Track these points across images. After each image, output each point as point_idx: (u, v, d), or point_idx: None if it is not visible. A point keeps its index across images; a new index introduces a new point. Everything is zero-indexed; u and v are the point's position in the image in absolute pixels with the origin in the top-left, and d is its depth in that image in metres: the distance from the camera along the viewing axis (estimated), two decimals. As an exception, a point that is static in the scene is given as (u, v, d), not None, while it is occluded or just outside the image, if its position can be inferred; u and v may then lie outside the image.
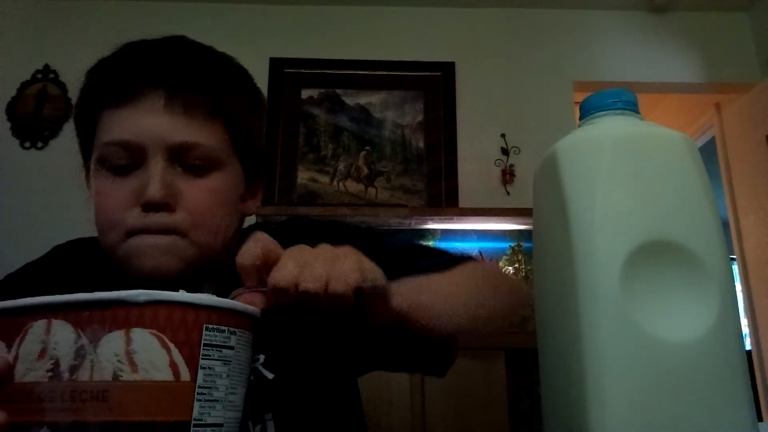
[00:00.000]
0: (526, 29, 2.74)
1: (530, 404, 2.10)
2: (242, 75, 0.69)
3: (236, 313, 0.42)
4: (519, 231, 2.39)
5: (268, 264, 0.46)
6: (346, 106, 2.63)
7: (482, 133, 2.57)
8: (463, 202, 2.46)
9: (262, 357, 0.63)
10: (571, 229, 0.42)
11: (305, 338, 0.64)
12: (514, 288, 0.68)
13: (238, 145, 0.66)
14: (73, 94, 2.57)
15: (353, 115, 2.62)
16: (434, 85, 2.64)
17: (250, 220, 0.75)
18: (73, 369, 0.36)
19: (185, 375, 0.37)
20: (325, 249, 0.48)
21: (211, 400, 0.39)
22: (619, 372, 0.38)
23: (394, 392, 1.66)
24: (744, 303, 2.76)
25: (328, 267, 0.46)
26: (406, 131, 2.60)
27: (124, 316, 0.37)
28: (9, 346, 0.37)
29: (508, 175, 2.49)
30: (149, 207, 0.59)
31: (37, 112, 2.53)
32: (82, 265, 0.70)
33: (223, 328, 0.40)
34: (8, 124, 2.52)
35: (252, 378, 0.61)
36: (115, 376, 0.36)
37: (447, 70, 2.64)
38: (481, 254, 2.36)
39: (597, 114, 0.47)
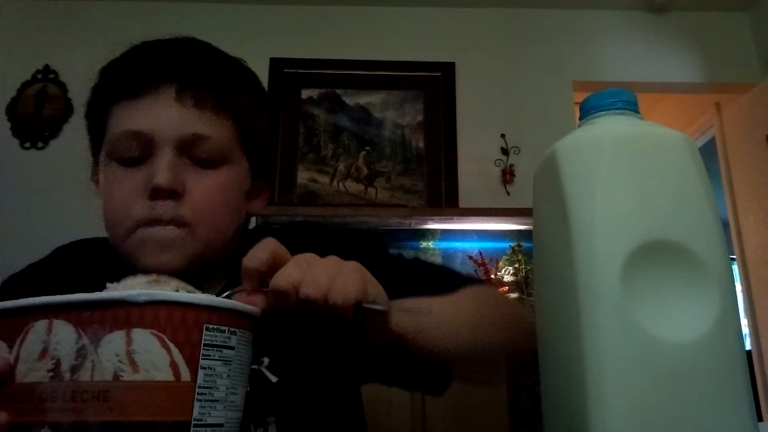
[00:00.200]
0: (526, 29, 2.74)
1: (530, 404, 2.10)
2: (250, 76, 0.71)
3: (236, 313, 0.42)
4: (519, 231, 2.39)
5: (273, 270, 0.47)
6: (346, 106, 2.63)
7: (482, 133, 2.57)
8: (463, 202, 2.46)
9: (266, 360, 0.63)
10: (571, 229, 0.42)
11: (310, 343, 0.64)
12: (519, 317, 0.66)
13: (245, 142, 0.67)
14: (74, 94, 2.59)
15: (353, 115, 2.62)
16: (434, 85, 2.64)
17: (252, 223, 0.75)
18: (74, 369, 0.36)
19: (186, 375, 0.37)
20: (331, 260, 0.48)
21: (211, 400, 0.39)
22: (619, 372, 0.38)
23: (394, 392, 1.66)
24: (744, 303, 2.76)
25: (331, 277, 0.46)
26: (406, 131, 2.61)
27: (125, 316, 0.37)
28: (10, 347, 0.37)
29: (508, 175, 2.49)
30: (156, 194, 0.59)
31: (37, 112, 2.53)
32: (85, 265, 0.70)
33: (223, 328, 0.40)
34: (8, 124, 2.52)
35: (256, 380, 0.61)
36: (116, 376, 0.36)
37: (447, 70, 2.64)
38: (481, 254, 2.36)
39: (597, 114, 0.47)
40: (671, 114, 3.41)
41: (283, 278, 0.45)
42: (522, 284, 2.30)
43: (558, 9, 2.74)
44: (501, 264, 2.36)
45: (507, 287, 2.28)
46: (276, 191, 2.45)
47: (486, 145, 2.56)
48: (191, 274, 0.62)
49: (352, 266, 0.48)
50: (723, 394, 0.39)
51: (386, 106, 2.63)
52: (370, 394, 0.76)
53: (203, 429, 0.38)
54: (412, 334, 0.52)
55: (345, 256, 0.50)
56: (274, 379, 0.62)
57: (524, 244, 2.36)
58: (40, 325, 0.37)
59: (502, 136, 2.56)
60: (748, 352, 2.77)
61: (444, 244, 2.47)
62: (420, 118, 2.61)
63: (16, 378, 0.37)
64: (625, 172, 0.43)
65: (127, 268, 0.63)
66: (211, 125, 0.63)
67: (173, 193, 0.60)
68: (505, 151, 2.55)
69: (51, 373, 0.36)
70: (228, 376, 0.40)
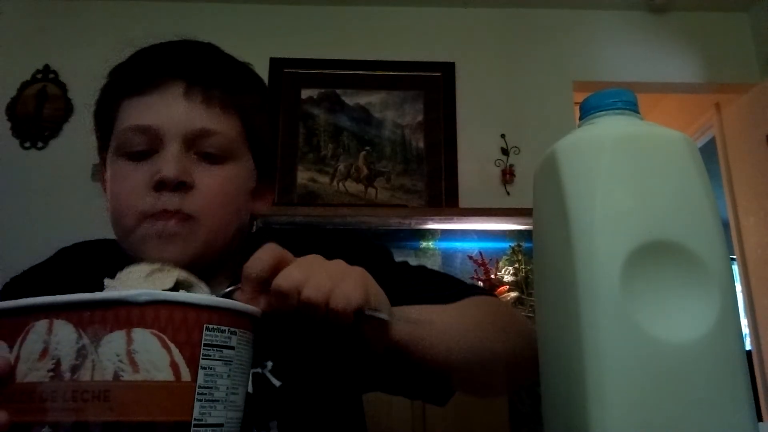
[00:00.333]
0: (526, 29, 2.74)
1: (530, 404, 2.10)
2: (257, 78, 0.72)
3: (236, 313, 0.42)
4: (519, 231, 2.39)
5: (276, 273, 0.46)
6: (346, 106, 2.63)
7: (482, 133, 2.57)
8: (463, 202, 2.46)
9: (270, 363, 0.63)
10: (571, 229, 0.42)
11: (313, 348, 0.64)
12: (523, 329, 0.65)
13: (251, 141, 0.68)
14: (74, 94, 2.59)
15: (353, 115, 2.62)
16: (434, 85, 2.64)
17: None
18: (75, 369, 0.36)
19: (186, 375, 0.37)
20: (336, 264, 0.48)
21: (211, 400, 0.39)
22: (619, 372, 0.38)
23: (394, 392, 1.66)
24: (744, 303, 2.76)
25: (334, 282, 0.46)
26: (406, 131, 2.61)
27: (125, 316, 0.37)
28: (10, 346, 0.37)
29: (508, 175, 2.49)
30: (161, 186, 0.60)
31: (37, 113, 2.53)
32: (88, 267, 0.70)
33: (223, 328, 0.40)
34: (8, 124, 2.52)
35: (259, 384, 0.61)
36: (117, 376, 0.36)
37: (447, 70, 2.65)
38: (481, 254, 2.36)
39: (597, 114, 0.47)
40: (671, 114, 3.41)
41: (285, 279, 0.45)
42: (522, 284, 2.30)
43: (558, 9, 2.74)
44: (501, 264, 2.36)
45: (507, 287, 2.28)
46: (276, 191, 2.45)
47: (486, 145, 2.56)
48: (195, 271, 0.61)
49: (357, 272, 0.48)
50: (723, 394, 0.39)
51: (386, 106, 2.63)
52: (371, 395, 0.75)
53: (203, 429, 0.38)
54: (412, 343, 0.52)
55: (350, 261, 0.49)
56: (277, 383, 0.62)
57: (524, 244, 2.36)
58: (41, 325, 0.37)
59: (502, 136, 2.56)
60: (748, 352, 2.77)
61: (444, 244, 2.47)
62: (420, 118, 2.62)
63: (16, 378, 0.37)
64: (625, 172, 0.43)
65: (127, 263, 0.62)
66: (218, 121, 0.64)
67: (180, 186, 0.60)
68: (505, 151, 2.55)
69: (51, 373, 0.36)
70: (228, 376, 0.40)
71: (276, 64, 2.59)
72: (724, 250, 0.41)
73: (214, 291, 0.65)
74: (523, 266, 2.32)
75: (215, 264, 0.65)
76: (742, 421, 0.38)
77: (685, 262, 0.40)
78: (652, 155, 0.43)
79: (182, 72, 0.64)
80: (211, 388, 0.39)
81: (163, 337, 0.37)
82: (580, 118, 0.49)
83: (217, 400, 0.39)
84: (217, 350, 0.39)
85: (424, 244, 2.47)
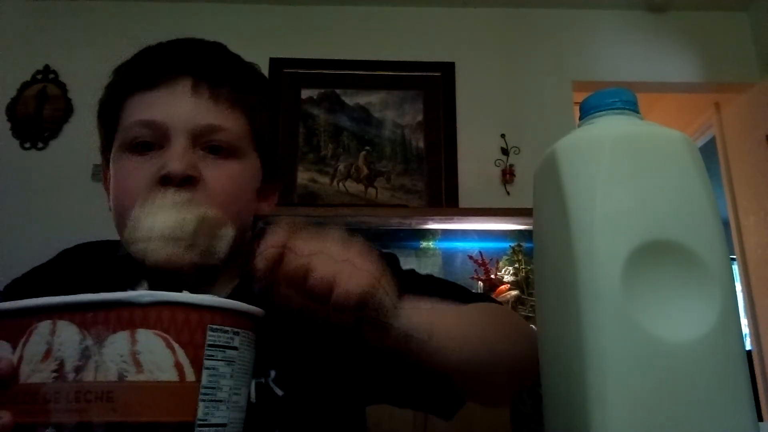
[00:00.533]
0: (526, 29, 2.74)
1: (531, 405, 2.10)
2: (263, 78, 0.73)
3: (239, 313, 0.42)
4: (519, 231, 2.39)
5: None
6: (346, 106, 2.63)
7: (482, 133, 2.57)
8: (463, 202, 2.46)
9: (273, 373, 0.62)
10: (571, 229, 0.42)
11: (318, 354, 0.63)
12: (529, 338, 0.62)
13: (257, 139, 0.67)
14: (74, 94, 2.59)
15: (353, 114, 2.62)
16: (434, 85, 2.64)
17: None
18: (78, 370, 0.36)
19: (190, 375, 0.38)
20: (345, 250, 0.47)
21: (215, 401, 0.39)
22: (620, 372, 0.39)
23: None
24: (744, 303, 2.76)
25: (339, 272, 0.45)
26: (405, 131, 2.61)
27: (129, 316, 0.37)
28: (14, 347, 0.37)
29: (508, 175, 2.49)
30: (168, 180, 0.59)
31: (37, 113, 2.53)
32: (90, 269, 0.70)
33: (226, 328, 0.40)
34: (8, 125, 2.52)
35: (262, 393, 0.60)
36: (120, 377, 0.36)
37: (446, 70, 2.65)
38: (481, 254, 2.36)
39: (596, 114, 0.47)
40: (670, 114, 3.41)
41: (290, 263, 0.45)
42: (522, 284, 2.29)
43: (557, 9, 2.74)
44: (501, 264, 2.36)
45: (507, 286, 2.28)
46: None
47: (486, 145, 2.56)
48: (202, 269, 0.61)
49: (373, 257, 0.47)
50: (723, 394, 0.39)
51: (386, 105, 2.63)
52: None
53: (207, 429, 0.38)
54: (415, 344, 0.51)
55: None
56: (280, 392, 0.61)
57: (524, 244, 2.36)
58: (44, 326, 0.37)
59: (502, 136, 2.56)
60: (748, 352, 2.77)
61: (444, 244, 2.47)
62: (420, 117, 2.62)
63: (20, 378, 0.37)
64: (625, 172, 0.43)
65: (133, 268, 0.62)
66: (225, 118, 0.63)
67: (187, 180, 0.59)
68: (505, 151, 2.55)
69: (55, 374, 0.36)
70: (231, 376, 0.40)
71: (276, 64, 2.59)
72: (724, 249, 0.41)
73: (217, 293, 0.65)
74: (523, 266, 2.32)
75: (218, 265, 0.64)
76: (742, 420, 0.38)
77: (685, 262, 0.40)
78: (652, 155, 0.43)
79: (190, 68, 0.63)
80: (214, 388, 0.39)
81: (167, 337, 0.37)
82: (580, 118, 0.49)
83: (221, 401, 0.39)
84: (220, 351, 0.39)
85: (424, 244, 2.47)
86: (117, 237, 0.68)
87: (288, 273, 0.45)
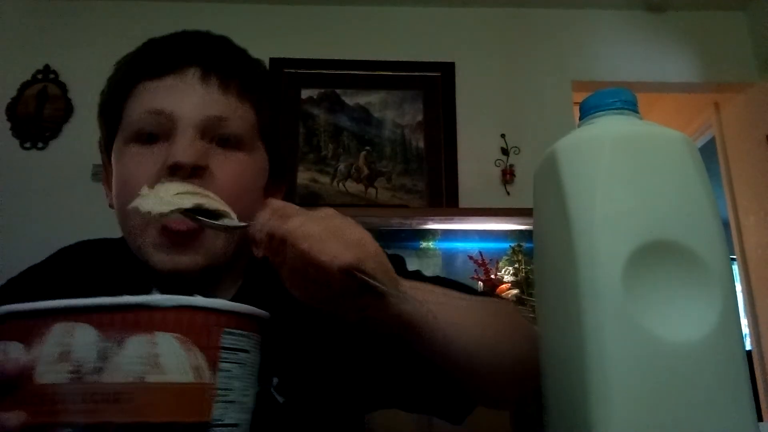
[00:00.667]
0: (526, 29, 2.74)
1: (533, 405, 2.09)
2: (269, 74, 0.73)
3: (251, 318, 0.43)
4: (519, 231, 2.38)
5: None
6: (346, 106, 2.63)
7: (482, 133, 2.57)
8: (463, 202, 2.46)
9: (275, 380, 0.61)
10: (572, 229, 0.42)
11: (322, 361, 0.63)
12: (532, 339, 0.62)
13: (264, 134, 0.66)
14: (74, 94, 2.59)
15: (353, 114, 2.62)
16: (434, 85, 2.64)
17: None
18: (96, 371, 0.36)
19: (206, 377, 0.39)
20: (342, 220, 0.46)
21: (228, 402, 0.40)
22: (621, 372, 0.39)
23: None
24: (744, 303, 2.76)
25: (325, 236, 0.43)
26: (405, 131, 2.61)
27: (148, 319, 0.38)
28: (29, 348, 0.37)
29: (508, 175, 2.49)
30: (176, 170, 0.57)
31: (38, 113, 2.53)
32: (91, 267, 0.69)
33: (240, 331, 0.41)
34: (8, 125, 2.52)
35: (263, 401, 0.60)
36: (139, 378, 0.36)
37: (446, 70, 2.64)
38: (481, 254, 2.36)
39: (596, 114, 0.47)
40: (670, 114, 3.41)
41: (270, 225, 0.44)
42: (522, 284, 2.29)
43: (557, 9, 2.74)
44: (501, 264, 2.36)
45: (508, 285, 2.28)
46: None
47: (486, 145, 2.56)
48: (206, 271, 0.60)
49: (360, 232, 0.45)
50: (724, 394, 0.39)
51: (386, 105, 2.63)
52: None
53: (221, 429, 0.39)
54: (419, 323, 0.48)
55: None
56: (281, 399, 0.61)
57: (524, 244, 2.36)
58: (61, 327, 0.37)
59: (502, 136, 2.56)
60: (749, 352, 2.77)
61: (444, 244, 2.47)
62: (420, 117, 2.62)
63: (35, 379, 0.37)
64: (625, 172, 0.43)
65: (134, 265, 0.62)
66: (234, 110, 0.62)
67: (195, 171, 0.58)
68: (505, 151, 2.55)
69: (72, 375, 0.36)
70: (242, 378, 0.41)
71: (276, 64, 2.59)
72: (724, 249, 0.41)
73: (222, 294, 0.65)
74: (523, 266, 2.32)
75: (222, 266, 0.63)
76: (742, 420, 0.38)
77: (685, 262, 0.40)
78: (651, 155, 0.43)
79: (198, 58, 0.62)
80: (228, 389, 0.40)
81: (187, 340, 0.38)
82: (580, 118, 0.49)
83: (233, 401, 0.40)
84: (233, 353, 0.41)
85: (424, 244, 2.47)
86: (117, 236, 0.68)
87: (283, 233, 0.44)
